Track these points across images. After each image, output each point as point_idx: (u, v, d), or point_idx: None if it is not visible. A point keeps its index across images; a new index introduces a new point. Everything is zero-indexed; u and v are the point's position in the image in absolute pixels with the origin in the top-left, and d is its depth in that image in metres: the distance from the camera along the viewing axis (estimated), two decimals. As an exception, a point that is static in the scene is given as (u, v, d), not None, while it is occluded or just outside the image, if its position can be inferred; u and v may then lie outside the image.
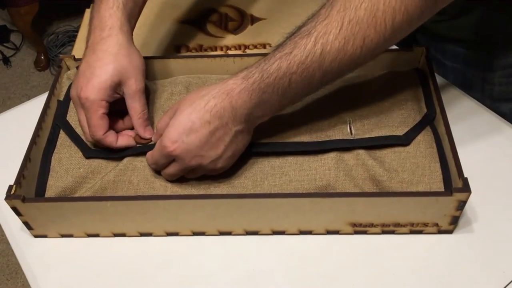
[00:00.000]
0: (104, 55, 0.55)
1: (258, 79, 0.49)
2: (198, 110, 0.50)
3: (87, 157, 0.58)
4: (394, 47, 0.69)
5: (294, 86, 0.49)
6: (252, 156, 0.56)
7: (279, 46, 0.49)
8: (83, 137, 0.59)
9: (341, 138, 0.56)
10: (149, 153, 0.55)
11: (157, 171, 0.56)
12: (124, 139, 0.57)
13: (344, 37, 0.46)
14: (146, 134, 0.57)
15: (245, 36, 0.77)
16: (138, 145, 0.58)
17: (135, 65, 0.56)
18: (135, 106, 0.57)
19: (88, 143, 0.58)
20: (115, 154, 0.57)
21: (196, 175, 0.55)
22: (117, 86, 0.55)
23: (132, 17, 0.59)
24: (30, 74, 1.97)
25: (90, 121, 0.55)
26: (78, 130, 0.59)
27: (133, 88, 0.56)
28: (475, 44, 0.70)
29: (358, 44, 0.47)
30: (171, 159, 0.52)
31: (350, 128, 0.57)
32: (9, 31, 2.08)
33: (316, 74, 0.48)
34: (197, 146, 0.50)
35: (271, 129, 0.57)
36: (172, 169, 0.53)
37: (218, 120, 0.50)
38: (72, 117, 0.61)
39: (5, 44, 2.05)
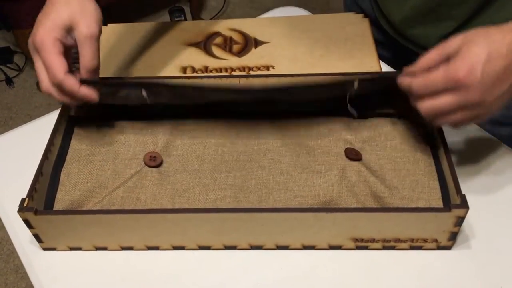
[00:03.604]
0: (58, 4, 0.56)
1: None
2: (494, 41, 0.48)
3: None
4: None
5: None
6: (257, 171, 0.58)
7: None
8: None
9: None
10: (419, 77, 0.51)
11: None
12: (87, 89, 0.55)
13: None
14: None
15: (249, 59, 0.80)
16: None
17: (87, 11, 0.56)
18: (85, 54, 0.56)
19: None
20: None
21: (458, 120, 0.51)
22: (69, 29, 0.56)
23: None
24: (33, 95, 1.99)
25: (47, 62, 0.54)
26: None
27: (83, 33, 0.55)
28: None
29: None
30: (451, 88, 0.49)
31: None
32: (13, 53, 2.11)
33: None
34: (491, 78, 0.48)
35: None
36: (444, 100, 0.50)
37: None
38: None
39: (8, 65, 2.08)
